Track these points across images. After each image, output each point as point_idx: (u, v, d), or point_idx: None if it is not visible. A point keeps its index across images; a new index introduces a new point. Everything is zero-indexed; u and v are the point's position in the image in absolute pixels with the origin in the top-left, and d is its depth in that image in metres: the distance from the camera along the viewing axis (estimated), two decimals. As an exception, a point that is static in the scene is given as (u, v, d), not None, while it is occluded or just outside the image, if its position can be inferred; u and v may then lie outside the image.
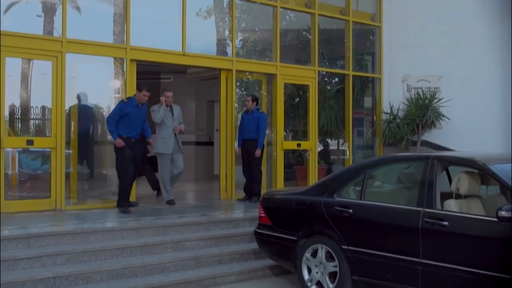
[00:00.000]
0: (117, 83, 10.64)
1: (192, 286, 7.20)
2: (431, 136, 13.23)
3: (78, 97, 10.41)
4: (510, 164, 6.32)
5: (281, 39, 12.24)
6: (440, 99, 13.04)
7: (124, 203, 9.20)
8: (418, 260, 5.98)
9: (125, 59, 10.01)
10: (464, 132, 12.65)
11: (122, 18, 10.19)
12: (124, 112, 9.08)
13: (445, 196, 6.46)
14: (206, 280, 7.36)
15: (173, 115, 10.33)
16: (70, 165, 9.85)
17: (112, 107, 10.87)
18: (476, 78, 13.10)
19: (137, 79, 10.21)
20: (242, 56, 12.28)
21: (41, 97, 9.75)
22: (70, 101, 9.76)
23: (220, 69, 11.38)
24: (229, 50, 11.76)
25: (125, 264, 7.19)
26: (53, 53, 9.20)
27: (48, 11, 10.00)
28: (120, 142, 8.98)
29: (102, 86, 10.83)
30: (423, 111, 12.98)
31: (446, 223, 5.87)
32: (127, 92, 9.99)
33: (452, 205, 6.12)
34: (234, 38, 11.51)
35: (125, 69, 10.08)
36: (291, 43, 13.91)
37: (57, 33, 9.56)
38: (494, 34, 13.25)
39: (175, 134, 10.27)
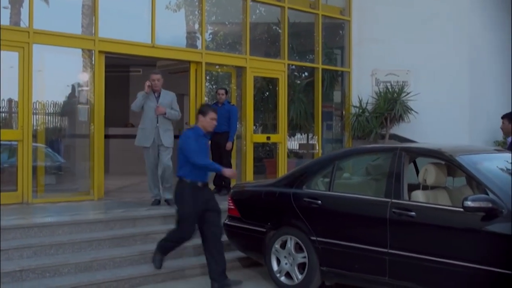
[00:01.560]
0: (86, 76, 10.52)
1: (161, 278, 7.18)
2: (399, 129, 13.35)
3: None
4: (477, 155, 6.45)
5: (251, 32, 12.25)
6: (408, 93, 13.17)
7: (156, 255, 6.90)
8: (386, 250, 6.05)
9: (93, 51, 9.91)
10: (432, 126, 12.78)
11: (91, 10, 10.08)
12: None
13: (413, 187, 6.55)
14: (175, 272, 7.36)
15: (157, 102, 9.14)
16: (37, 158, 9.74)
17: (81, 100, 10.78)
18: (443, 72, 13.23)
19: (106, 72, 10.13)
20: (212, 49, 12.25)
21: (7, 90, 9.59)
22: (38, 93, 9.62)
23: (189, 62, 11.33)
24: (198, 43, 11.74)
25: (93, 257, 7.15)
26: (20, 44, 9.07)
27: (15, 2, 9.85)
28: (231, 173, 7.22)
29: (70, 79, 10.70)
30: (391, 104, 13.10)
31: (413, 213, 5.94)
32: (95, 85, 9.89)
33: (419, 196, 6.20)
34: (203, 31, 11.48)
35: (93, 61, 9.98)
36: (261, 37, 13.93)
37: (24, 24, 9.43)
38: (461, 29, 13.38)
39: (158, 125, 9.10)
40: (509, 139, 8.30)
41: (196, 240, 7.96)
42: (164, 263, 6.90)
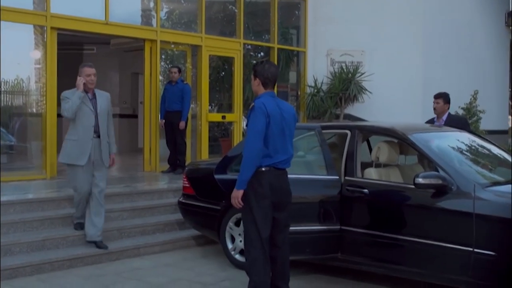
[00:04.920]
0: (38, 53, 10.32)
1: (115, 256, 7.14)
2: (354, 109, 13.46)
3: None
4: (429, 133, 6.60)
5: (206, 11, 12.16)
6: (362, 74, 13.27)
7: None
8: (338, 227, 6.14)
9: (45, 27, 9.70)
10: (385, 106, 12.92)
11: (43, -15, 9.89)
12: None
13: (366, 165, 6.65)
14: (130, 250, 7.32)
15: (95, 107, 7.05)
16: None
17: (33, 78, 10.56)
18: (397, 53, 13.35)
19: (58, 49, 9.95)
20: (167, 27, 12.13)
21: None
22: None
23: (144, 40, 11.21)
24: (153, 21, 11.60)
25: (45, 236, 7.06)
26: (-32, 19, 8.86)
27: (-37, -24, 9.58)
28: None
29: (21, 56, 10.47)
30: (346, 85, 13.18)
31: (366, 190, 6.03)
32: (48, 62, 9.71)
33: (372, 174, 6.30)
34: (158, 9, 11.38)
35: (45, 38, 9.78)
36: (217, 15, 13.84)
37: (-28, -1, 9.19)
38: (416, 11, 13.51)
39: (97, 135, 7.06)
40: (444, 118, 8.46)
41: (143, 220, 7.98)
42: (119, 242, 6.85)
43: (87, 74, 6.97)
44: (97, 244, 7.12)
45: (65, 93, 7.01)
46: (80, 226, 7.33)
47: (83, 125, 6.95)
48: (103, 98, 7.16)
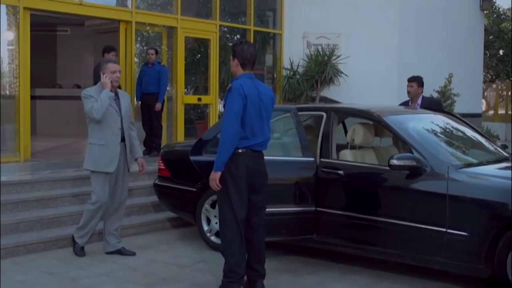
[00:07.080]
0: (10, 34, 10.16)
1: (90, 239, 7.08)
2: (330, 92, 13.49)
3: None
4: (403, 115, 6.64)
5: (182, -8, 12.08)
6: (338, 56, 13.29)
7: None
8: (314, 208, 6.16)
9: (18, 7, 9.55)
10: (361, 89, 12.96)
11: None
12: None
13: (341, 147, 6.69)
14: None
15: (120, 108, 6.48)
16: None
17: (6, 60, 10.39)
18: (373, 36, 13.37)
19: (32, 31, 9.80)
20: (142, 8, 12.01)
21: None
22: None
23: (119, 21, 11.10)
24: (129, 2, 11.46)
25: (19, 219, 7.01)
26: None
27: None
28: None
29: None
30: (322, 67, 13.21)
31: (341, 172, 6.06)
32: (20, 44, 9.57)
33: (347, 155, 6.33)
34: (134, -10, 11.27)
35: (18, 19, 9.63)
36: (193, -3, 13.77)
37: None
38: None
39: (122, 139, 6.50)
40: (419, 102, 8.52)
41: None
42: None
43: (112, 71, 6.36)
44: (124, 252, 6.69)
45: (88, 91, 6.37)
46: (83, 251, 6.64)
47: (111, 128, 6.38)
48: (125, 98, 6.62)
